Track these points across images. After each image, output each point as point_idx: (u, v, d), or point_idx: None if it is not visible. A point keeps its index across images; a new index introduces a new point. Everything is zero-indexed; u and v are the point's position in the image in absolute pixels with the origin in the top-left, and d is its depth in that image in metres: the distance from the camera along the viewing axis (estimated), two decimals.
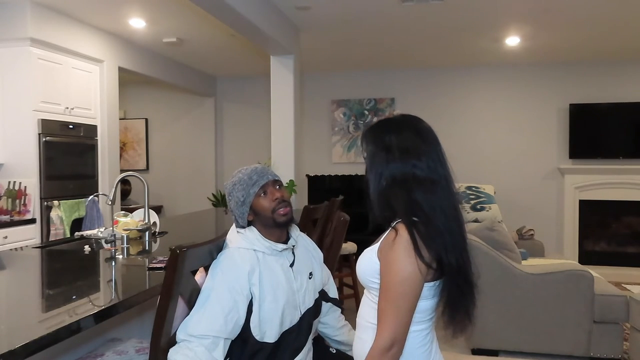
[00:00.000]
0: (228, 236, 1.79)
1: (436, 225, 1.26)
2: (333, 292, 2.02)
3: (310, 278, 1.84)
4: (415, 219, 1.27)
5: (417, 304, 1.27)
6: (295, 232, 1.88)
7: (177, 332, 1.58)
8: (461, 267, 1.30)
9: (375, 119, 6.27)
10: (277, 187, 1.82)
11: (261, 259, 1.71)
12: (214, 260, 1.71)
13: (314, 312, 1.84)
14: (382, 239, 1.36)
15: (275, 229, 1.78)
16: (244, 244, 1.72)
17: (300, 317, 1.77)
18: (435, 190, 1.29)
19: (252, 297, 1.65)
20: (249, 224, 1.79)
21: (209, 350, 1.54)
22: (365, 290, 1.48)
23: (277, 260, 1.76)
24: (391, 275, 1.26)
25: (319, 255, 1.98)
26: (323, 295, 1.93)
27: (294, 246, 1.82)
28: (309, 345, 1.83)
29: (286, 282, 1.74)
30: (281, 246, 1.77)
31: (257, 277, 1.67)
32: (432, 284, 1.31)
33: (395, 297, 1.25)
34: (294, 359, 1.75)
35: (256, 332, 1.66)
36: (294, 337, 1.74)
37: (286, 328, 1.72)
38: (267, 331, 1.68)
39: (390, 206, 1.34)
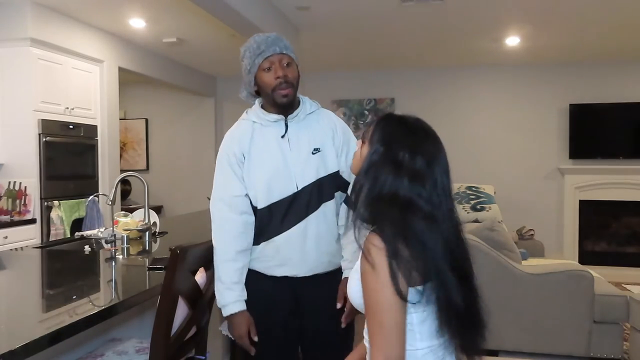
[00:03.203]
0: None
1: (420, 254, 1.19)
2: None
3: (314, 154, 1.77)
4: (399, 244, 1.18)
5: (403, 319, 1.19)
6: (308, 106, 1.84)
7: (210, 205, 1.84)
8: (450, 299, 1.21)
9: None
10: (286, 63, 1.75)
11: (257, 129, 1.78)
12: None
13: (317, 189, 1.75)
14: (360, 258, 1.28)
15: (276, 105, 1.75)
16: (245, 116, 1.85)
17: (295, 192, 1.74)
18: (431, 223, 1.22)
19: (244, 160, 1.75)
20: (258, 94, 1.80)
21: (236, 209, 1.75)
22: None
23: (272, 130, 1.78)
24: (369, 295, 1.20)
25: (342, 136, 1.85)
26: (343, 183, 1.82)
27: (286, 118, 1.78)
28: (319, 220, 1.75)
29: (279, 151, 1.75)
30: (274, 117, 1.77)
31: (248, 144, 1.76)
32: (415, 289, 1.22)
33: (376, 315, 1.18)
34: (288, 229, 1.74)
35: (251, 195, 1.76)
36: (284, 208, 1.73)
37: (277, 199, 1.73)
38: (257, 196, 1.75)
39: (375, 216, 1.25)
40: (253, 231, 1.79)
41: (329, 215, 1.80)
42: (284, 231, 1.75)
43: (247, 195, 1.77)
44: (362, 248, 1.22)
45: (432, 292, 1.21)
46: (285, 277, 1.79)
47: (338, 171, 1.83)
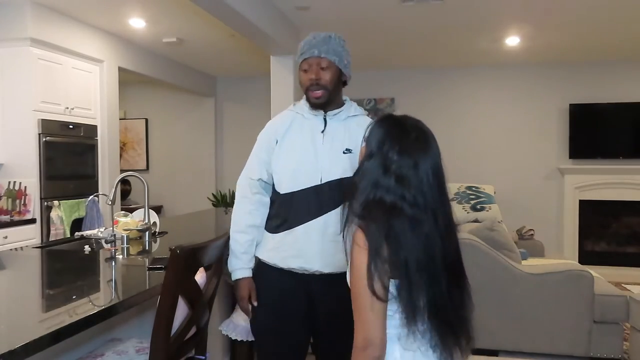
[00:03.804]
0: None
1: (399, 256, 1.24)
2: None
3: (345, 153, 1.85)
4: (381, 243, 1.24)
5: (382, 306, 1.25)
6: (350, 109, 1.93)
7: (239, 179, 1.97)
8: (411, 299, 1.25)
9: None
10: (323, 67, 1.83)
11: (297, 119, 1.90)
12: None
13: (339, 187, 1.78)
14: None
15: (312, 104, 1.87)
16: (291, 107, 1.98)
17: (318, 185, 1.81)
18: (414, 225, 1.26)
19: (276, 144, 1.88)
20: None
21: (252, 189, 1.91)
22: None
23: (312, 123, 1.89)
24: (353, 283, 1.28)
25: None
26: None
27: (326, 114, 1.88)
28: (332, 218, 1.78)
29: (311, 142, 1.85)
30: (314, 111, 1.89)
31: (284, 131, 1.88)
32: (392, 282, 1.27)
33: (357, 299, 1.26)
34: (309, 221, 1.81)
35: (276, 180, 1.88)
36: (305, 198, 1.81)
37: (300, 188, 1.82)
38: (282, 181, 1.86)
39: (364, 214, 1.29)
40: (267, 210, 1.93)
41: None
42: (304, 222, 1.82)
43: (265, 181, 1.93)
44: (345, 245, 1.32)
45: (397, 291, 1.26)
46: (301, 274, 1.85)
47: None
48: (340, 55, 1.86)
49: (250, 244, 1.91)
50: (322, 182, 1.81)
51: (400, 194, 1.27)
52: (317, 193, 1.81)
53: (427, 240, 1.27)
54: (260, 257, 1.94)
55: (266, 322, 1.92)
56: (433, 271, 1.27)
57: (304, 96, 1.93)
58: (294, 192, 1.83)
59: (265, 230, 1.93)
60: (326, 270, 1.83)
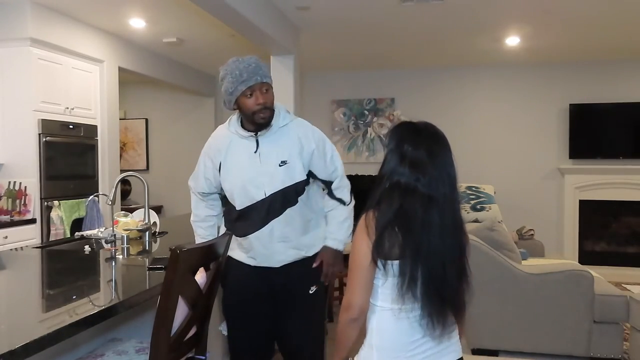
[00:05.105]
0: None
1: (410, 232, 1.41)
2: (340, 193, 2.21)
3: (281, 165, 2.04)
4: (391, 221, 1.41)
5: (369, 276, 1.45)
6: (281, 120, 2.08)
7: (189, 181, 2.28)
8: (411, 279, 1.40)
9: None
10: (265, 90, 2.00)
11: (234, 140, 2.09)
12: None
13: (282, 196, 2.05)
14: None
15: (253, 124, 2.04)
16: (227, 125, 2.15)
17: (263, 198, 2.05)
18: (429, 206, 1.41)
19: (220, 167, 2.10)
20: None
21: (200, 198, 2.27)
22: None
23: (245, 144, 2.07)
24: (351, 252, 1.51)
25: (306, 146, 2.09)
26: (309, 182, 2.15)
27: (257, 134, 2.05)
28: (285, 221, 2.07)
29: (249, 164, 2.05)
30: (245, 133, 2.06)
31: (224, 154, 2.10)
32: (391, 263, 1.43)
33: (351, 267, 1.49)
34: (259, 229, 2.07)
35: (228, 197, 2.14)
36: (256, 210, 2.07)
37: (250, 203, 2.07)
38: (234, 200, 2.11)
39: (381, 199, 1.46)
40: (220, 203, 2.30)
41: (296, 217, 2.10)
42: (255, 231, 2.08)
43: (211, 192, 2.25)
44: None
45: (400, 268, 1.41)
46: (261, 267, 2.15)
47: (304, 180, 2.10)
48: (271, 76, 2.09)
49: (212, 227, 2.30)
50: (267, 195, 2.05)
51: (415, 177, 1.43)
52: (264, 204, 2.06)
53: (435, 220, 1.40)
54: (229, 253, 2.17)
55: (232, 298, 2.21)
56: (435, 249, 1.40)
57: (235, 115, 2.12)
58: (245, 207, 2.10)
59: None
60: (278, 265, 2.14)
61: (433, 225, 1.40)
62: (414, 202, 1.40)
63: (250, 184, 2.05)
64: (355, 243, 1.48)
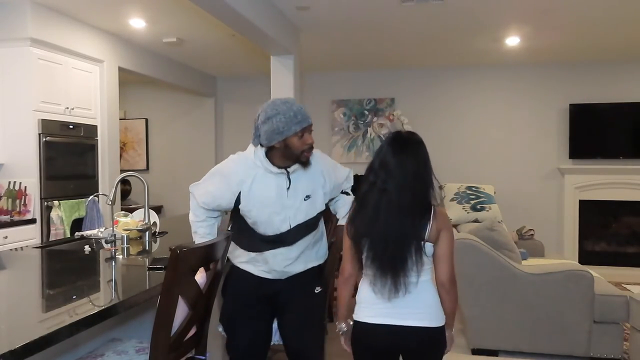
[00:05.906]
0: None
1: (361, 212, 1.85)
2: (346, 186, 2.43)
3: (306, 200, 2.17)
4: (358, 208, 1.87)
5: (352, 251, 1.88)
6: (312, 159, 2.18)
7: (190, 187, 2.27)
8: (371, 250, 1.81)
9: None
10: (310, 132, 2.12)
11: (260, 174, 2.11)
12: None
13: (305, 226, 2.18)
14: None
15: (293, 161, 2.12)
16: (252, 156, 2.13)
17: (288, 229, 2.15)
18: (381, 196, 1.79)
19: (239, 195, 2.11)
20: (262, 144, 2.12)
21: (201, 206, 2.23)
22: None
23: (275, 178, 2.12)
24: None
25: (327, 179, 2.25)
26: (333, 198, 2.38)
27: (289, 172, 2.12)
28: (304, 244, 2.22)
29: (276, 198, 2.12)
30: (276, 170, 2.11)
31: (249, 183, 2.11)
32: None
33: (344, 245, 1.94)
34: (277, 248, 2.17)
35: (250, 223, 2.16)
36: (278, 239, 2.16)
37: (276, 233, 2.14)
38: (259, 228, 2.16)
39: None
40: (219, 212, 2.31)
41: (313, 239, 2.26)
42: (273, 249, 2.17)
43: (215, 210, 2.25)
44: None
45: (365, 243, 1.83)
46: (268, 278, 2.24)
47: (324, 209, 2.27)
48: None
49: (212, 227, 2.29)
50: (292, 227, 2.16)
51: (382, 176, 1.81)
52: (289, 234, 2.17)
53: (383, 207, 1.78)
54: (236, 265, 2.27)
55: (235, 307, 2.26)
56: (380, 229, 1.78)
57: (260, 150, 2.12)
58: (269, 235, 2.16)
59: (237, 246, 2.25)
60: (286, 277, 2.24)
61: (381, 210, 1.77)
62: (373, 194, 1.81)
63: (277, 217, 2.13)
64: (344, 227, 1.93)
